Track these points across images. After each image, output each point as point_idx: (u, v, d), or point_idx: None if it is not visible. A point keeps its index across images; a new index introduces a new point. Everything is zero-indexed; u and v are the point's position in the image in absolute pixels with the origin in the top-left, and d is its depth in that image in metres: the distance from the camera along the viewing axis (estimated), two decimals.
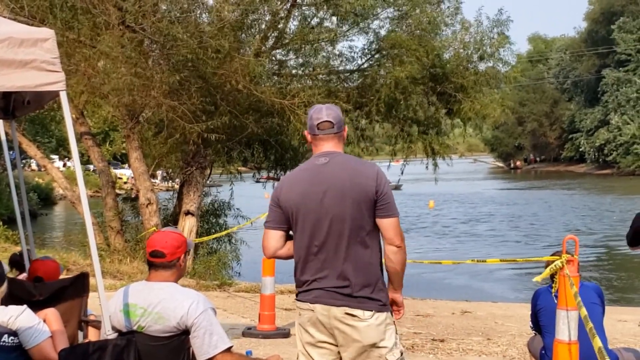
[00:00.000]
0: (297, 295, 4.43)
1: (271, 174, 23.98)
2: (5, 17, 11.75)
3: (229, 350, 4.26)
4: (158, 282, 4.37)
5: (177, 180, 21.04)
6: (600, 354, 4.18)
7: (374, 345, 4.22)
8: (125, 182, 46.63)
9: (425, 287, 18.80)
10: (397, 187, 63.64)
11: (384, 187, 4.28)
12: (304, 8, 17.86)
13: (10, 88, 4.33)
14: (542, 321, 6.18)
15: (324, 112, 4.43)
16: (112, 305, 4.39)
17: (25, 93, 5.82)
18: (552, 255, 6.06)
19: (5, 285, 4.73)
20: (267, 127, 17.31)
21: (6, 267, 5.27)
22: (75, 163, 4.58)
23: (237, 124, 16.33)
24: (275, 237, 4.42)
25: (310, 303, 4.30)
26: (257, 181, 23.17)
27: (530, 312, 6.46)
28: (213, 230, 19.51)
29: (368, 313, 4.22)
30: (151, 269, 4.42)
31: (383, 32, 18.34)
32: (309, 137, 4.49)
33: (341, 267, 4.23)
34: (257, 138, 18.30)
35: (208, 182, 20.43)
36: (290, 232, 4.45)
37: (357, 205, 4.22)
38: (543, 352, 6.24)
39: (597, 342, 4.28)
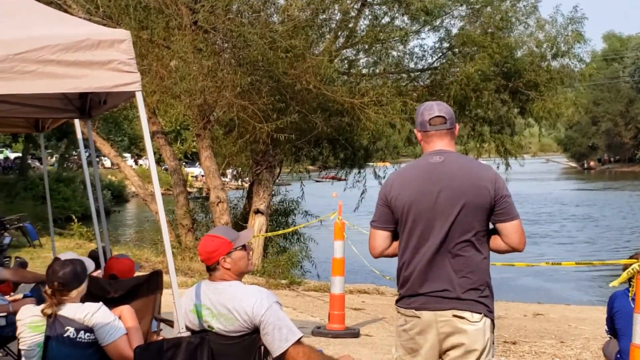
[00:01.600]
0: (400, 298, 4.30)
1: (333, 174, 23.95)
2: (80, 17, 12.02)
3: (299, 341, 4.25)
4: (221, 281, 4.39)
5: (246, 179, 21.21)
6: None
7: (476, 351, 4.11)
8: (195, 179, 47.30)
9: (496, 288, 18.53)
10: None
11: (503, 190, 4.16)
12: (374, 7, 17.83)
13: (88, 89, 4.40)
14: (618, 325, 6.04)
15: (435, 107, 4.31)
16: (182, 305, 4.43)
17: (102, 93, 5.92)
18: (629, 258, 5.91)
19: (85, 284, 4.82)
20: (336, 126, 17.30)
21: (92, 265, 5.36)
22: (149, 161, 4.64)
23: (306, 123, 16.38)
24: (382, 237, 4.33)
25: (416, 310, 4.18)
26: (317, 181, 23.02)
27: (605, 316, 6.32)
28: (281, 229, 19.61)
29: (477, 315, 4.10)
30: (209, 270, 4.47)
31: (454, 30, 18.23)
32: (419, 135, 4.35)
33: (450, 270, 4.13)
34: (326, 137, 18.31)
35: (277, 181, 20.54)
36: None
37: (474, 208, 4.10)
38: (618, 356, 6.09)
39: None
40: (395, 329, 4.38)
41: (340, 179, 23.72)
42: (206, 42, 14.57)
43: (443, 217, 4.12)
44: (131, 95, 4.59)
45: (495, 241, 4.23)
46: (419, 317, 4.17)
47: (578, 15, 18.33)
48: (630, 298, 5.85)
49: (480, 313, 4.12)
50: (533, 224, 37.32)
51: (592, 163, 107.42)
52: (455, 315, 4.10)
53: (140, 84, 4.39)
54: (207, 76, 14.19)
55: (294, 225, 20.48)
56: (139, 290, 5.80)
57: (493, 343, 4.24)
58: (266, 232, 17.36)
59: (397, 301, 4.34)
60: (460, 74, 16.63)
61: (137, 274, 6.35)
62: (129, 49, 4.35)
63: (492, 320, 4.21)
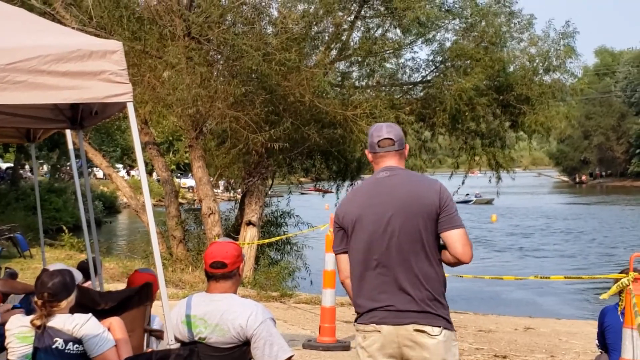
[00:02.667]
0: (358, 316, 4.27)
1: (319, 186, 23.97)
2: (73, 27, 12.02)
3: (289, 359, 4.25)
4: (218, 293, 4.38)
5: (239, 190, 21.19)
6: None
7: None
8: (188, 190, 47.25)
9: (487, 302, 18.61)
10: (489, 202, 63.26)
11: (448, 200, 4.17)
12: (367, 20, 17.88)
13: (79, 100, 4.39)
14: (608, 339, 6.06)
15: (384, 129, 4.38)
16: (173, 317, 4.42)
17: (93, 104, 5.90)
18: (619, 273, 5.93)
19: (74, 295, 4.80)
20: (329, 138, 17.31)
21: (79, 276, 5.34)
22: (140, 172, 4.63)
23: (298, 135, 16.39)
24: (346, 260, 4.32)
25: (377, 324, 4.16)
26: (302, 193, 23.03)
27: (596, 330, 6.34)
28: (273, 241, 19.58)
29: (437, 329, 4.09)
30: (211, 281, 4.42)
31: (448, 44, 18.30)
32: (370, 157, 4.43)
33: (403, 282, 4.11)
34: (318, 149, 18.32)
35: (269, 192, 20.52)
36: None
37: (420, 218, 4.11)
38: None
39: None
40: (354, 350, 4.34)
41: (325, 192, 23.77)
42: (199, 52, 14.56)
43: (390, 229, 4.14)
44: (123, 106, 4.58)
45: (444, 254, 4.21)
46: (379, 331, 4.15)
47: (570, 30, 18.46)
48: (619, 312, 5.87)
49: (440, 326, 4.11)
50: (524, 237, 37.44)
51: (583, 177, 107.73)
52: (416, 330, 4.09)
53: (131, 94, 4.38)
54: (199, 85, 14.19)
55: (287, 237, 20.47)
56: (129, 302, 5.77)
57: (456, 353, 4.23)
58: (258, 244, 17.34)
59: (355, 320, 4.32)
60: (456, 88, 16.65)
61: (123, 285, 6.32)
62: (120, 60, 4.34)
63: (453, 330, 4.20)
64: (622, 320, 5.73)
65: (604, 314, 6.16)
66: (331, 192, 22.18)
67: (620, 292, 5.84)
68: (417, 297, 4.10)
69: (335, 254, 4.38)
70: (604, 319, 6.12)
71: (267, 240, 18.07)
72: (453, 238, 4.13)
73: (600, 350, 6.41)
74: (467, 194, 65.07)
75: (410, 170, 4.47)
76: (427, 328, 4.08)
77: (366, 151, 4.48)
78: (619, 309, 5.89)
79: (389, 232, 4.13)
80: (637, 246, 33.46)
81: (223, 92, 14.48)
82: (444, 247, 4.20)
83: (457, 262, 4.16)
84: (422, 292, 4.10)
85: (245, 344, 4.28)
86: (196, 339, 4.32)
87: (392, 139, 4.34)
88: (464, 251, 4.12)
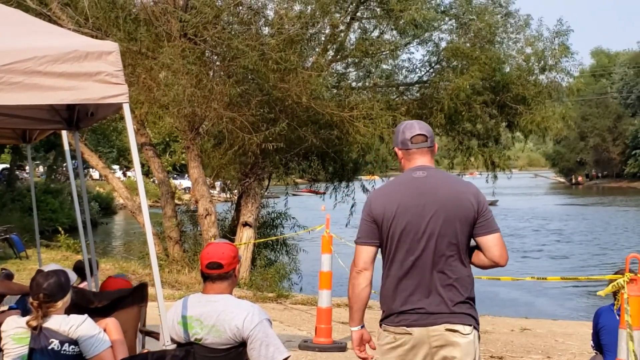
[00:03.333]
0: (386, 316, 4.26)
1: (312, 187, 23.97)
2: (69, 29, 12.01)
3: None
4: (214, 294, 4.38)
5: (235, 191, 21.19)
6: None
7: None
8: (184, 192, 47.27)
9: (483, 303, 18.58)
10: (492, 203, 63.28)
11: (485, 204, 4.21)
12: (363, 21, 17.90)
13: (75, 101, 4.39)
14: (603, 340, 6.07)
15: (417, 126, 4.36)
16: (169, 317, 4.42)
17: (90, 105, 5.90)
18: (614, 273, 5.94)
19: (69, 295, 4.80)
20: (325, 139, 17.31)
21: (73, 276, 5.34)
22: (136, 173, 4.63)
23: (295, 135, 16.39)
24: (368, 252, 4.27)
25: (407, 327, 4.15)
26: (294, 194, 23.01)
27: (591, 331, 6.34)
28: (270, 242, 19.58)
29: (468, 328, 4.12)
30: (207, 282, 4.42)
31: (443, 44, 18.33)
32: (400, 153, 4.38)
33: (437, 285, 4.13)
34: (315, 150, 18.32)
35: (266, 193, 20.52)
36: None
37: (458, 221, 4.13)
38: None
39: None
40: (379, 348, 4.31)
41: (317, 193, 23.78)
42: (194, 53, 14.55)
43: (429, 230, 4.13)
44: (119, 107, 4.58)
45: (478, 256, 4.24)
46: (410, 333, 4.15)
47: (564, 29, 18.50)
48: (615, 312, 5.87)
49: (471, 325, 4.14)
50: (520, 238, 37.45)
51: (580, 178, 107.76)
52: (448, 329, 4.10)
53: (127, 95, 4.38)
54: (195, 86, 14.18)
55: (282, 237, 20.47)
56: (124, 302, 5.78)
57: (480, 354, 4.26)
58: (254, 244, 17.33)
59: (382, 319, 4.29)
60: (453, 88, 16.67)
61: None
62: (116, 61, 4.34)
63: (479, 332, 4.24)
64: (617, 319, 5.74)
65: (598, 315, 6.17)
66: (324, 193, 22.23)
67: (615, 293, 5.85)
68: (449, 298, 4.12)
69: (358, 244, 4.31)
70: (599, 319, 6.13)
71: (262, 240, 18.06)
72: (492, 242, 4.18)
73: (595, 351, 6.42)
74: None
75: (444, 171, 4.48)
76: (459, 327, 4.11)
77: (396, 148, 4.41)
78: (615, 308, 5.90)
79: (428, 234, 4.14)
80: (632, 247, 33.54)
81: (219, 93, 14.48)
82: (475, 248, 4.25)
83: (494, 265, 4.21)
84: (455, 294, 4.13)
85: (242, 345, 4.29)
86: (192, 339, 4.32)
87: (425, 135, 4.32)
88: (501, 254, 4.19)
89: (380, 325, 4.32)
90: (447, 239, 4.13)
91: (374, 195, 4.42)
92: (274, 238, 18.68)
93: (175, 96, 14.01)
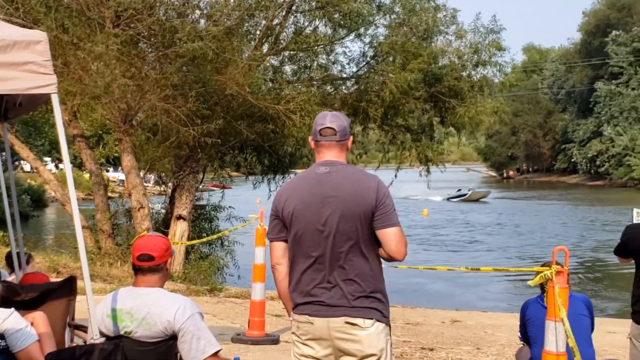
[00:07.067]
0: (293, 307, 4.31)
1: (217, 182, 24.03)
2: (0, 18, 11.74)
3: (216, 354, 4.26)
4: (145, 287, 4.36)
5: (169, 184, 21.02)
6: None
7: (373, 356, 4.16)
8: (118, 185, 46.68)
9: (415, 295, 18.83)
10: (484, 196, 64.15)
11: (385, 198, 4.20)
12: (299, 15, 17.90)
13: (2, 91, 4.32)
14: (530, 332, 6.18)
15: (328, 118, 4.35)
16: (99, 311, 4.38)
17: (18, 95, 5.80)
18: (542, 265, 6.06)
19: None
20: (261, 133, 17.28)
21: (4, 272, 5.25)
22: (65, 165, 4.58)
23: (231, 128, 16.32)
24: (279, 248, 4.33)
25: (310, 316, 4.21)
26: (203, 190, 22.94)
27: (519, 323, 6.46)
28: (204, 235, 19.47)
29: (369, 321, 4.15)
30: (138, 274, 4.40)
31: (381, 38, 18.44)
32: (312, 144, 4.41)
33: (338, 279, 4.16)
34: (250, 143, 18.28)
35: (200, 186, 20.40)
36: None
37: (357, 216, 4.15)
38: None
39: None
40: (291, 338, 4.38)
41: (224, 187, 23.87)
42: (128, 42, 14.34)
43: (328, 227, 4.17)
44: (48, 97, 4.51)
45: (380, 250, 4.27)
46: (312, 322, 4.21)
47: (497, 26, 18.85)
48: (542, 305, 5.99)
49: (372, 319, 4.17)
50: (456, 232, 37.99)
51: (511, 172, 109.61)
52: (347, 322, 4.15)
53: (56, 86, 4.32)
54: (130, 77, 13.99)
55: (218, 231, 20.39)
56: (52, 295, 5.69)
57: (391, 346, 4.30)
58: (188, 237, 17.22)
59: (292, 308, 4.35)
60: (394, 80, 16.78)
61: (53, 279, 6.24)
62: (45, 51, 4.28)
63: (387, 325, 4.26)
64: (544, 311, 5.85)
65: (525, 307, 6.30)
66: (230, 187, 22.38)
67: (543, 285, 5.96)
68: (350, 292, 4.15)
69: (270, 241, 4.38)
70: (526, 312, 6.25)
71: (197, 241, 17.88)
72: (388, 236, 4.18)
73: (522, 342, 6.55)
74: (459, 189, 65.74)
75: (349, 166, 4.45)
76: (359, 320, 4.14)
77: (310, 138, 4.43)
78: (544, 300, 6.02)
79: (327, 231, 4.17)
80: (561, 239, 34.27)
81: (153, 84, 14.32)
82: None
83: (391, 259, 4.23)
84: (356, 289, 4.16)
85: (172, 338, 4.28)
86: (122, 333, 4.29)
87: (334, 129, 4.30)
88: (397, 249, 4.19)
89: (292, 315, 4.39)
90: (346, 235, 4.16)
91: (279, 191, 4.47)
92: (209, 238, 18.50)
93: (106, 86, 13.79)
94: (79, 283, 5.84)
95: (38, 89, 4.28)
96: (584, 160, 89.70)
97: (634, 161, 78.93)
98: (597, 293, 20.90)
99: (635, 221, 15.61)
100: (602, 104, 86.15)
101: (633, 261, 6.24)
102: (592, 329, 6.20)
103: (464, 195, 62.84)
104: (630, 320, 6.25)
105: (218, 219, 21.19)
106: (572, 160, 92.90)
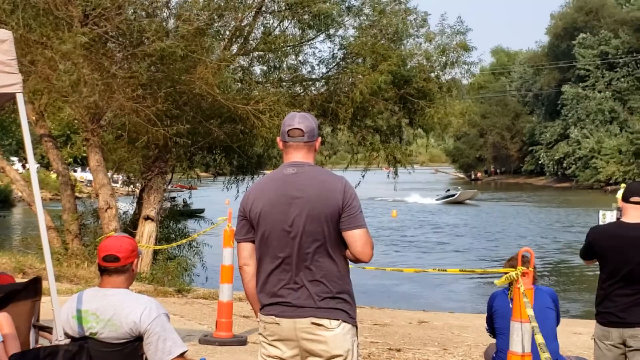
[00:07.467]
0: (260, 308, 4.32)
1: (181, 183, 24.04)
2: None
3: (182, 355, 4.25)
4: (111, 288, 4.34)
5: (137, 184, 20.90)
6: None
7: (340, 357, 4.17)
8: (87, 185, 46.34)
9: (383, 296, 18.90)
10: (473, 196, 64.32)
11: (352, 199, 4.21)
12: (268, 16, 17.89)
13: None
14: (497, 324, 6.24)
15: (297, 119, 4.35)
16: (64, 312, 4.35)
17: None
18: (507, 261, 6.15)
19: None
20: (230, 133, 17.24)
21: None
22: (30, 165, 4.54)
23: (200, 129, 16.27)
24: (246, 249, 4.34)
25: (276, 317, 4.22)
26: (171, 191, 22.90)
27: (486, 315, 6.52)
28: (172, 236, 19.37)
29: (335, 322, 4.16)
30: (104, 275, 4.38)
31: (351, 40, 18.47)
32: (280, 145, 4.41)
33: (304, 280, 4.18)
34: (219, 144, 18.22)
35: (169, 187, 20.31)
36: None
37: (323, 217, 4.17)
38: (494, 356, 6.29)
39: (547, 357, 4.34)
40: (259, 339, 4.40)
41: (190, 188, 23.86)
42: (96, 40, 14.24)
43: (294, 228, 4.19)
44: (13, 97, 4.47)
45: (347, 251, 4.29)
46: (278, 323, 4.22)
47: (464, 27, 18.98)
48: (509, 298, 6.05)
49: (338, 319, 4.19)
50: (424, 233, 38.15)
51: (479, 174, 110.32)
52: (313, 323, 4.16)
53: (21, 85, 4.29)
54: (98, 78, 13.88)
55: (185, 231, 20.31)
56: (16, 296, 5.64)
57: (358, 346, 4.32)
58: (156, 238, 17.12)
59: (259, 309, 4.36)
60: (366, 81, 16.82)
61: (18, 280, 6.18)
62: (9, 50, 4.24)
63: (354, 325, 4.29)
64: (511, 306, 5.91)
65: (493, 298, 6.36)
66: (196, 188, 22.42)
67: (510, 284, 6.03)
68: (316, 293, 4.16)
69: (238, 242, 4.39)
70: (493, 303, 6.31)
71: (167, 246, 17.75)
72: (353, 238, 4.20)
73: (489, 333, 6.59)
74: (448, 190, 65.91)
75: (317, 167, 4.45)
76: (325, 321, 4.15)
77: (278, 139, 4.43)
78: (509, 296, 6.07)
79: (293, 233, 4.18)
80: (526, 238, 34.57)
81: (122, 83, 14.23)
82: None
83: (357, 261, 4.25)
84: (322, 290, 4.17)
85: (138, 339, 4.27)
86: (87, 334, 4.26)
87: (302, 130, 4.31)
88: (363, 251, 4.21)
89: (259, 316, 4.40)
90: (313, 237, 4.18)
91: (247, 192, 4.49)
92: (178, 243, 18.41)
93: (74, 84, 13.66)
94: (45, 284, 5.79)
95: (3, 88, 4.25)
96: (551, 163, 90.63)
97: (600, 163, 79.88)
98: (561, 294, 21.11)
99: (601, 222, 15.79)
100: (569, 107, 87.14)
101: (597, 262, 6.31)
102: (558, 322, 6.29)
103: (453, 195, 63.15)
104: (595, 322, 6.33)
105: (186, 219, 21.12)
106: (540, 162, 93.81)
